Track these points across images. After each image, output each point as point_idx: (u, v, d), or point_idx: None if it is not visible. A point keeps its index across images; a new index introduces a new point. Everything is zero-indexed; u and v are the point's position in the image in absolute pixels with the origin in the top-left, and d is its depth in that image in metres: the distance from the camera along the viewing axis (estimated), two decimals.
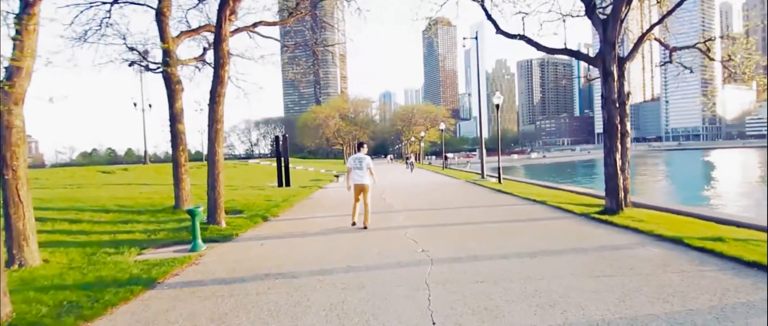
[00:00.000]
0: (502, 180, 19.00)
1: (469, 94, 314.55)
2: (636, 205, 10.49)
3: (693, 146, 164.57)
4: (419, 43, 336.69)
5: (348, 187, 8.76)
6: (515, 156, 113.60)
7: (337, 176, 26.21)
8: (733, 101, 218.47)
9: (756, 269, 4.78)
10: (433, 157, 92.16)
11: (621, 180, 9.01)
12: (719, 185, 34.54)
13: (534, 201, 11.75)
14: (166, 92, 11.64)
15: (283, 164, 20.04)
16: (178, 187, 11.46)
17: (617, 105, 9.09)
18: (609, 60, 9.13)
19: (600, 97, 9.32)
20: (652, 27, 11.80)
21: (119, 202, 13.05)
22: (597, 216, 8.71)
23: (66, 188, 17.48)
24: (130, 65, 12.91)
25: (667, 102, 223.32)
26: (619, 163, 9.02)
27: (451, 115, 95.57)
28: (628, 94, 10.53)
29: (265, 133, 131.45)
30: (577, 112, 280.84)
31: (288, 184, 19.89)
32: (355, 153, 9.13)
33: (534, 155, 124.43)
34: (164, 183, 21.02)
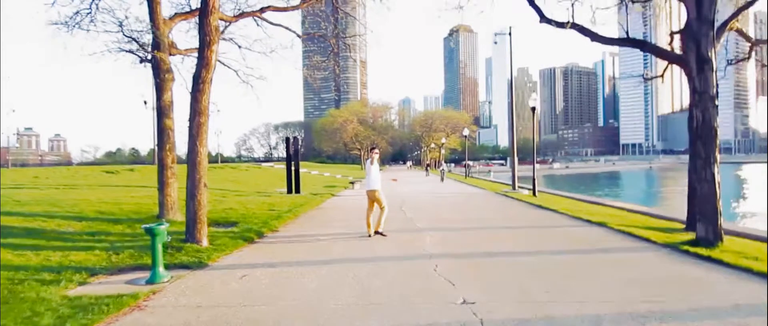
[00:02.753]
0: (536, 193, 16.79)
1: (490, 102, 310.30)
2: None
3: (724, 160, 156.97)
4: (440, 49, 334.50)
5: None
6: (537, 166, 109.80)
7: (352, 183, 24.35)
8: None
9: None
10: (452, 165, 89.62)
11: (720, 202, 6.84)
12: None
13: (589, 222, 9.58)
14: (154, 82, 9.99)
15: (293, 169, 18.25)
16: (162, 193, 9.74)
17: (716, 102, 6.93)
18: (705, 43, 6.99)
19: (692, 93, 7.15)
20: (739, 10, 9.56)
21: (102, 208, 11.42)
22: (689, 248, 6.55)
23: (58, 189, 16.09)
24: (141, 62, 11.28)
25: None
26: (717, 178, 6.85)
27: (472, 122, 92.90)
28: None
29: (285, 137, 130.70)
30: (601, 122, 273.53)
31: (298, 191, 18.08)
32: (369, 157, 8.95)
33: (556, 165, 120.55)
34: None
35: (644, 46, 10.07)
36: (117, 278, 5.70)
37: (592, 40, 10.13)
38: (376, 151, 9.03)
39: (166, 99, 9.75)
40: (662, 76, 13.50)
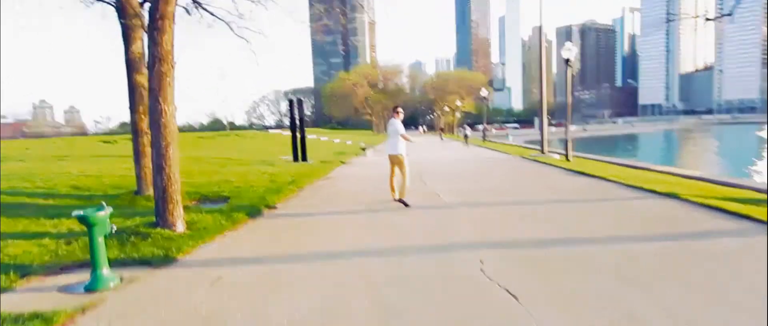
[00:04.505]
0: (570, 157, 15.01)
1: (503, 64, 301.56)
2: None
3: (748, 120, 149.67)
4: (451, 9, 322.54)
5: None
6: (553, 128, 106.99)
7: (363, 149, 22.75)
8: None
9: None
10: (462, 129, 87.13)
11: None
12: None
13: (653, 192, 7.85)
14: (121, 30, 8.26)
15: (298, 135, 16.63)
16: (139, 164, 8.25)
17: None
18: None
19: None
20: None
21: (79, 182, 10.04)
22: None
23: (44, 161, 14.80)
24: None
25: (721, 71, 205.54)
26: None
27: (487, 84, 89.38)
28: None
29: (289, 100, 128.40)
30: (618, 82, 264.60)
31: (304, 159, 16.54)
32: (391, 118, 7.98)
33: (573, 128, 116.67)
34: None
35: None
36: (53, 281, 4.26)
37: None
38: (400, 110, 8.02)
39: (135, 50, 8.07)
40: (730, 14, 11.34)
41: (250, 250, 5.07)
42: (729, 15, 11.27)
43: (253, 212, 7.07)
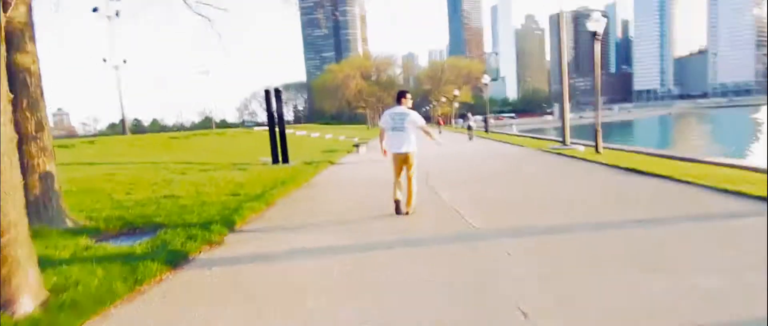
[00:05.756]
0: (600, 149, 12.62)
1: (496, 53, 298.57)
2: None
3: (744, 103, 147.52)
4: (443, 0, 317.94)
5: (383, 152, 6.08)
6: (549, 117, 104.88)
7: (356, 146, 20.24)
8: None
9: None
10: (461, 120, 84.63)
11: None
12: None
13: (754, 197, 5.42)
14: None
15: (277, 131, 14.05)
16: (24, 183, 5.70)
17: None
18: None
19: None
20: None
21: None
22: None
23: None
24: None
25: (715, 54, 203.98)
26: None
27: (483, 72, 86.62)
28: None
29: (286, 100, 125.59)
30: (613, 69, 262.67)
31: (285, 160, 14.00)
32: (393, 107, 6.12)
33: (570, 116, 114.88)
34: (116, 162, 15.61)
35: None
36: None
37: None
38: (408, 95, 6.18)
39: (14, 18, 5.47)
40: None
41: None
42: None
43: (180, 256, 4.57)
